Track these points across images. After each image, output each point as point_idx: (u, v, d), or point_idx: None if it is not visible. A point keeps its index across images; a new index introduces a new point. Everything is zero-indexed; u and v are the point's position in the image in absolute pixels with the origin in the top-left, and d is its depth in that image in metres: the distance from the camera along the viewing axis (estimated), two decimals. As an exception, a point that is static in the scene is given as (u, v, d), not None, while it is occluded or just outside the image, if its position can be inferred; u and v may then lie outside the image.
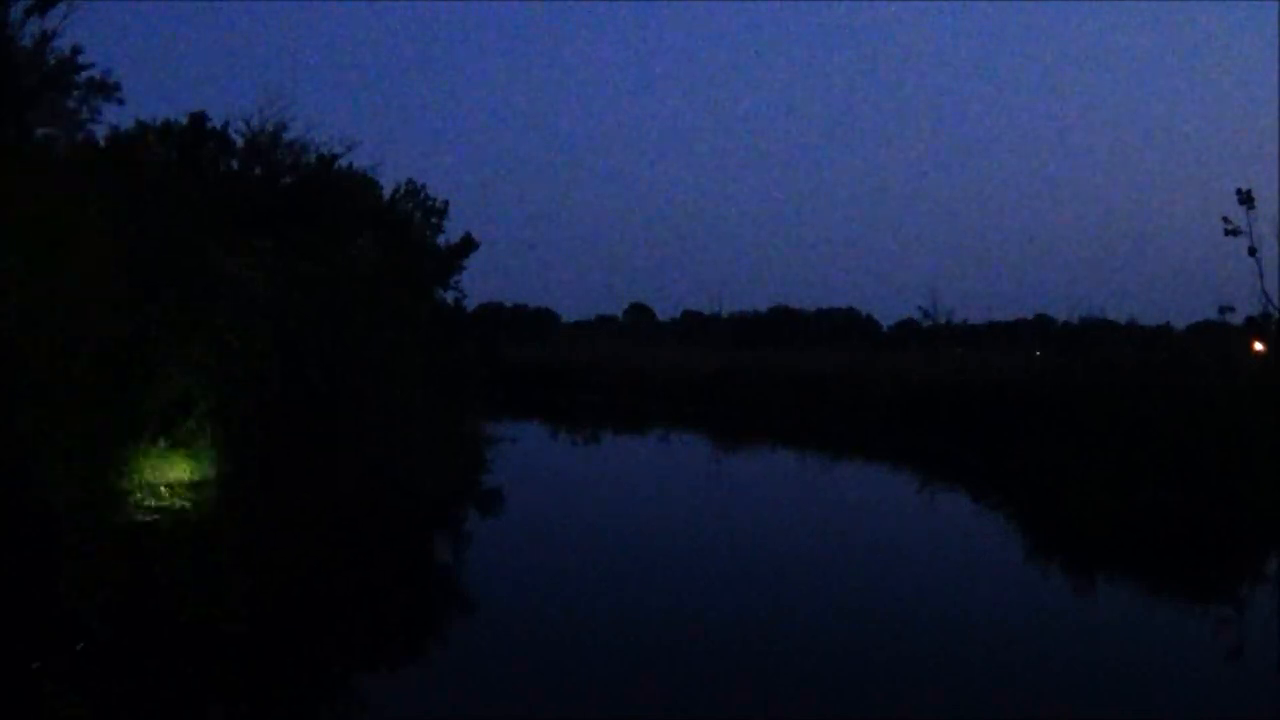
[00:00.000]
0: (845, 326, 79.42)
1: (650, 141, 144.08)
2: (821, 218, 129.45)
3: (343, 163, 29.11)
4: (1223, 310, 25.80)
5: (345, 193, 28.79)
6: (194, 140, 27.74)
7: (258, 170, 27.61)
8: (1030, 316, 66.25)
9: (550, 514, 18.44)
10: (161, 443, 13.92)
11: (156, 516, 11.86)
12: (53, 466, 9.38)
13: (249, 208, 23.33)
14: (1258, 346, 26.35)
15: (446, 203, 40.18)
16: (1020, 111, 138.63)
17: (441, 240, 40.03)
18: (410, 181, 39.44)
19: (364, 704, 8.97)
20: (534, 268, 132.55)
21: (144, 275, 13.14)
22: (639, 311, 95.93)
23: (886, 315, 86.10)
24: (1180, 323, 37.89)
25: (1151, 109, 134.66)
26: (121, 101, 23.42)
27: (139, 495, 12.35)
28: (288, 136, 27.27)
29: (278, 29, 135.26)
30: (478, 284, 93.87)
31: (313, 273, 19.92)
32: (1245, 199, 23.22)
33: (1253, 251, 22.95)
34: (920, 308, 50.42)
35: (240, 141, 27.76)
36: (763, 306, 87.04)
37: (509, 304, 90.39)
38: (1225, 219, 23.43)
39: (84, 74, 22.41)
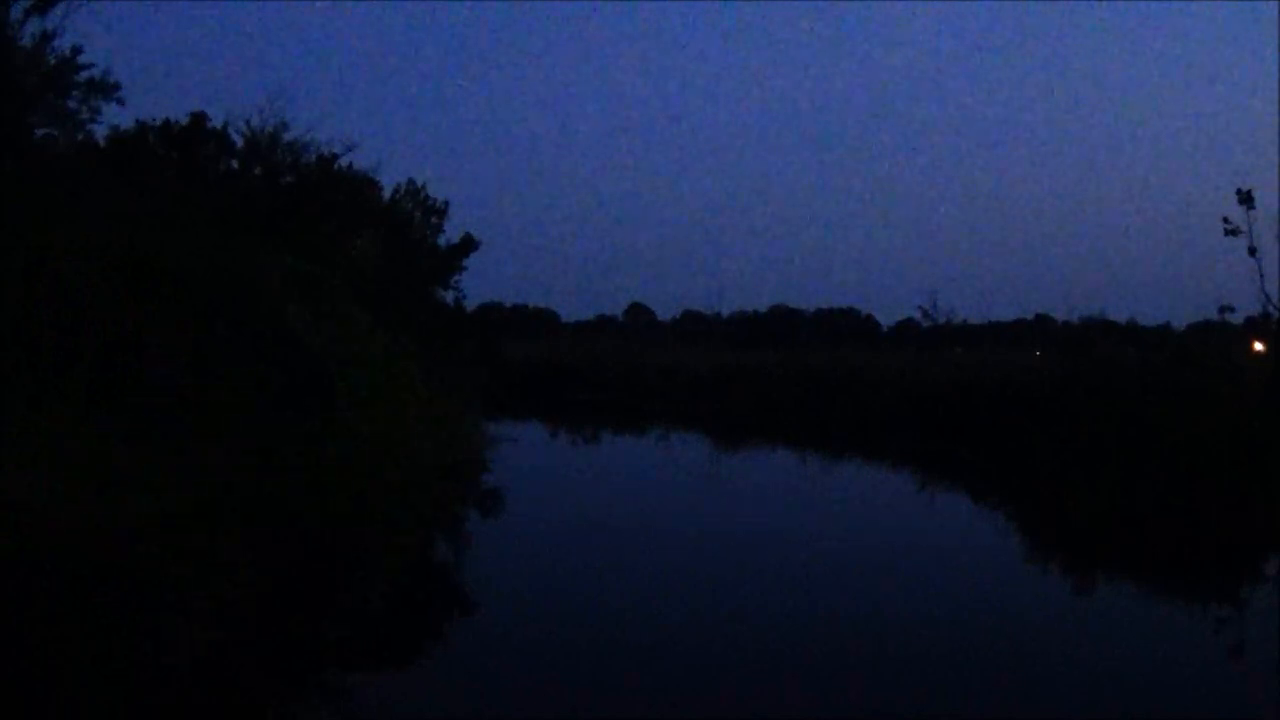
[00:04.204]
0: (845, 326, 79.49)
1: (650, 141, 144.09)
2: (822, 218, 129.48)
3: (343, 163, 29.18)
4: (1223, 310, 25.84)
5: (345, 193, 28.85)
6: (194, 140, 27.78)
7: (258, 170, 27.65)
8: (1030, 316, 66.38)
9: (551, 514, 18.43)
10: (161, 442, 13.93)
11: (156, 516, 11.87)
12: (51, 465, 9.40)
13: (249, 208, 23.36)
14: (1258, 346, 26.36)
15: (446, 203, 40.23)
16: (1020, 112, 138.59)
17: (441, 240, 40.11)
18: (410, 181, 39.50)
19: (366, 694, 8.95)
20: (534, 268, 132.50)
21: (143, 275, 13.16)
22: (639, 311, 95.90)
23: (886, 315, 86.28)
24: (1180, 323, 37.90)
25: (1151, 109, 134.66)
26: (121, 101, 23.47)
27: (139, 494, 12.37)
28: (288, 136, 27.34)
29: (278, 29, 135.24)
30: (478, 284, 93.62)
31: (313, 273, 19.96)
32: (1245, 199, 23.24)
33: (1253, 251, 22.96)
34: (920, 308, 50.51)
35: (240, 141, 27.82)
36: (763, 306, 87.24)
37: (509, 304, 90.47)
38: (1225, 219, 23.46)
39: (84, 74, 22.46)
